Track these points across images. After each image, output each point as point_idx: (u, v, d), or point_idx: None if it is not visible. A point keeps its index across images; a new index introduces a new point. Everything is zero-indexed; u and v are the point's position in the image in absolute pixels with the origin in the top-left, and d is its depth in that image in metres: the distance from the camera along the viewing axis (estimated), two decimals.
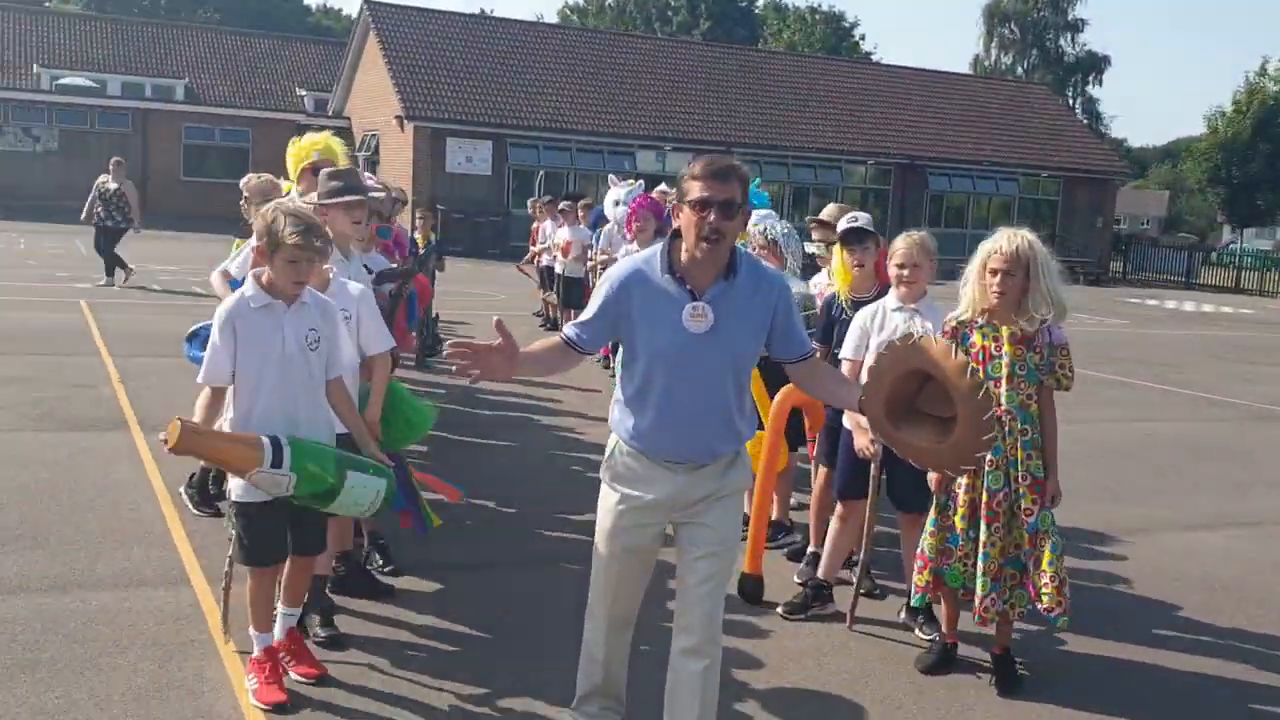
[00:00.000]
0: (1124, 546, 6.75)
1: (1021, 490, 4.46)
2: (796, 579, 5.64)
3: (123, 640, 4.47)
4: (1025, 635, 5.08)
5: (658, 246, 3.53)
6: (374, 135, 34.60)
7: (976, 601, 4.50)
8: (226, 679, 4.18)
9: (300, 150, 5.71)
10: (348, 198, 4.82)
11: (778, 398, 5.21)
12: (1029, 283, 4.37)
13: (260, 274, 4.04)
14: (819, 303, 5.78)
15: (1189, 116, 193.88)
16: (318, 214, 4.33)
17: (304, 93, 41.26)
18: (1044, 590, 4.45)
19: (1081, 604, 5.61)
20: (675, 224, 3.46)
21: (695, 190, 3.34)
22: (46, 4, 58.12)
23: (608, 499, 3.63)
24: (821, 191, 35.71)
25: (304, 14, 69.86)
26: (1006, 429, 4.43)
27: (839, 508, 5.23)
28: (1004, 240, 4.40)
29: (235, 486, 4.06)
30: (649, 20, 63.11)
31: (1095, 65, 66.45)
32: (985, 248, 4.46)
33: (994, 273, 4.40)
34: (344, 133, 35.87)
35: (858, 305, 5.28)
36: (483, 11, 43.43)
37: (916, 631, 5.09)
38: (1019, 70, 64.22)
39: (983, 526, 4.47)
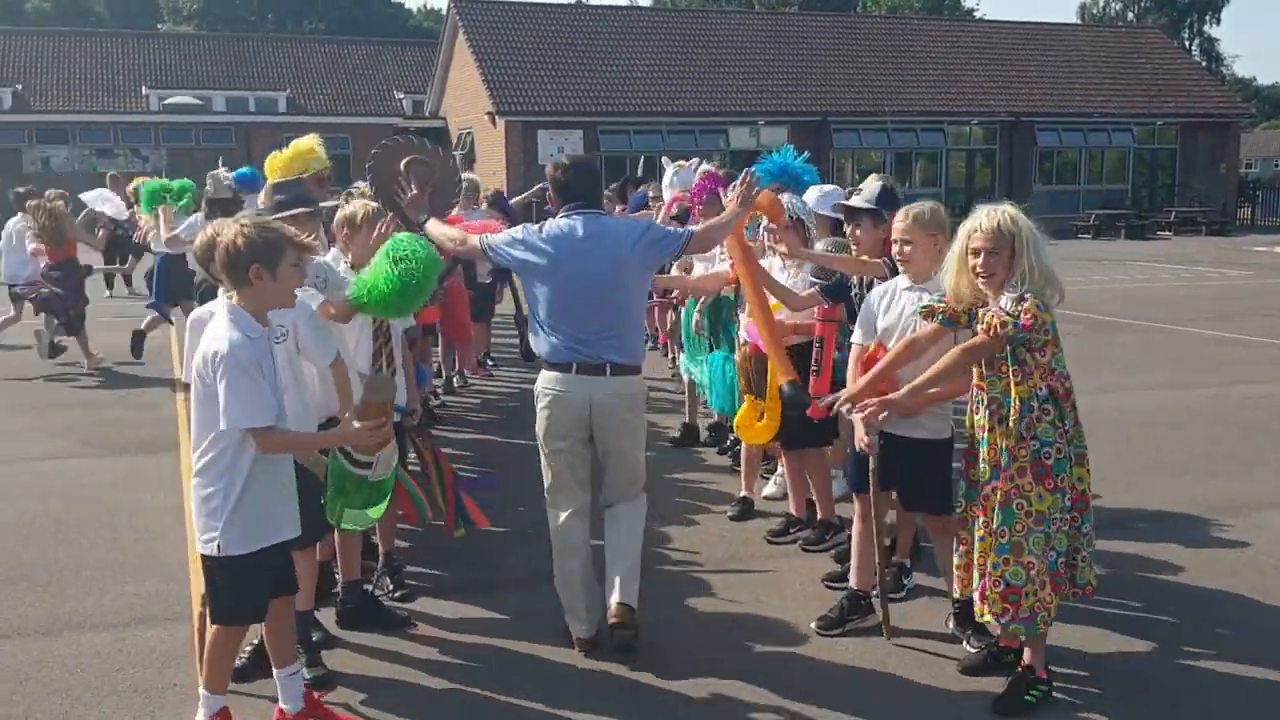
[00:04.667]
0: (1217, 528, 6.11)
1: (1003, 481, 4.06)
2: (823, 581, 5.32)
3: (104, 687, 4.27)
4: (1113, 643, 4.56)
5: None
6: (469, 133, 34.73)
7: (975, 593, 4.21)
8: None
9: (291, 161, 5.48)
10: (297, 210, 4.64)
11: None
12: (1015, 260, 3.98)
13: (238, 302, 3.73)
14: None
15: None
16: None
17: (401, 95, 41.68)
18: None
19: (1165, 595, 5.10)
20: None
21: None
22: (160, 27, 60.03)
23: None
24: (925, 155, 34.64)
25: (405, 18, 70.70)
26: (997, 418, 4.07)
27: (857, 505, 4.82)
28: (984, 217, 4.05)
29: (225, 541, 3.79)
30: None
31: (1212, 3, 63.25)
32: (964, 228, 4.10)
33: (976, 252, 4.03)
34: (440, 132, 36.22)
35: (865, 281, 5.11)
36: (579, 1, 42.83)
37: (965, 645, 4.60)
38: (1130, 15, 61.47)
39: (978, 519, 4.18)
